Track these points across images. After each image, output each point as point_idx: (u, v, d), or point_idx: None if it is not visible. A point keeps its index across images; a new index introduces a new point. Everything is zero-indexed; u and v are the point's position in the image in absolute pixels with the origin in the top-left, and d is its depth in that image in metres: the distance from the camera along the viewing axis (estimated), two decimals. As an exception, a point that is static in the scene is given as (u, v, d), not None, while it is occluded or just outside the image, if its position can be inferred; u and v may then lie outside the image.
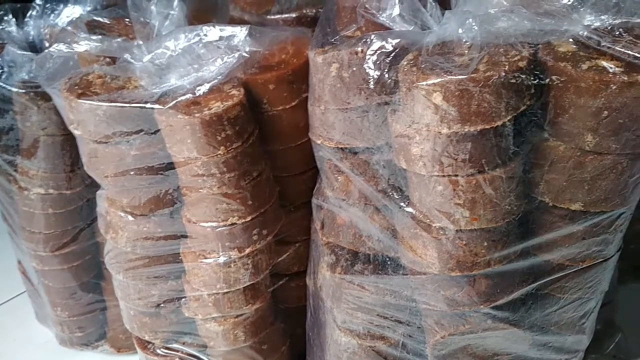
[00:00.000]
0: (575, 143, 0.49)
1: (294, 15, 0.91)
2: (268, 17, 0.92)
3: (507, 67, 0.46)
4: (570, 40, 0.49)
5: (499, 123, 0.47)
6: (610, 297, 1.07)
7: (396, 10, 0.56)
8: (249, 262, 0.75)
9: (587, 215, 0.52)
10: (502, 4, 0.52)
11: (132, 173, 0.70)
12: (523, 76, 0.46)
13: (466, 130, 0.47)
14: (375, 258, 0.60)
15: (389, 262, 0.59)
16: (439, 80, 0.47)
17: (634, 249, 1.28)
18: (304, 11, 0.92)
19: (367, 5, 0.58)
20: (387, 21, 0.57)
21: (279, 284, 0.83)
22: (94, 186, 0.80)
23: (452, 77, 0.46)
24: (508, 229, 0.52)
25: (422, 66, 0.49)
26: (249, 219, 0.71)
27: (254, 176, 0.70)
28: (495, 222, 0.51)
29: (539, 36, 0.50)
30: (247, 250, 0.73)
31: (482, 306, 0.55)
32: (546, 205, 0.53)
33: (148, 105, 0.64)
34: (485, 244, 0.52)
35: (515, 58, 0.47)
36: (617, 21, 0.49)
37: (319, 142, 0.60)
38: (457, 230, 0.52)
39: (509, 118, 0.47)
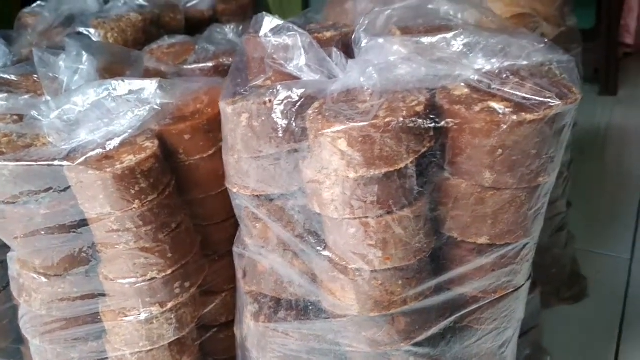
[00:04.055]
0: (475, 180, 0.52)
1: (210, 64, 0.92)
2: (185, 67, 0.93)
3: (405, 112, 0.48)
4: (463, 84, 0.52)
5: (402, 165, 0.49)
6: (535, 321, 1.11)
7: (302, 61, 0.58)
8: (172, 316, 0.73)
9: (494, 247, 0.55)
10: (400, 52, 0.55)
11: (43, 233, 0.68)
12: (421, 120, 0.49)
13: (372, 173, 0.49)
14: (297, 304, 0.60)
15: (310, 307, 0.59)
16: (342, 127, 0.48)
17: (556, 272, 1.34)
18: (221, 60, 0.93)
19: (274, 56, 0.59)
20: (295, 71, 0.59)
21: (207, 336, 0.81)
22: (6, 247, 0.76)
23: (354, 124, 0.48)
24: (420, 266, 0.54)
25: (327, 114, 0.50)
26: (169, 272, 0.70)
27: (173, 228, 0.69)
28: (407, 260, 0.53)
29: (434, 81, 0.53)
30: (170, 305, 0.71)
31: (402, 344, 0.56)
32: (455, 240, 0.55)
33: (56, 163, 0.63)
34: (400, 282, 0.54)
35: (413, 103, 0.50)
36: (505, 64, 0.53)
37: (235, 190, 0.60)
38: (372, 270, 0.53)
39: (410, 160, 0.49)
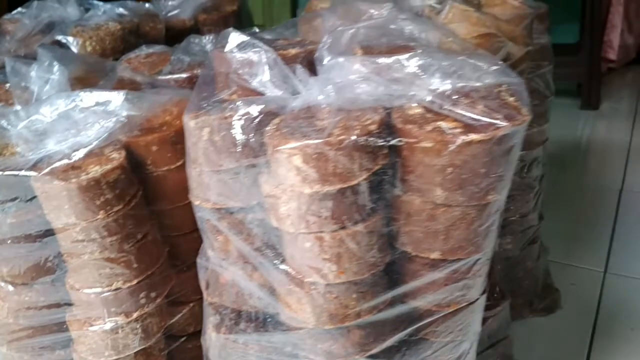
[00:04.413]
0: (427, 197, 0.53)
1: (185, 75, 0.93)
2: (159, 77, 0.94)
3: (358, 130, 0.50)
4: (418, 104, 0.54)
5: (355, 182, 0.50)
6: (504, 333, 1.13)
7: (266, 77, 0.60)
8: (138, 326, 0.73)
9: (446, 263, 0.56)
10: (360, 72, 0.57)
11: (9, 242, 0.68)
12: (373, 139, 0.50)
13: (326, 189, 0.50)
14: (257, 316, 0.61)
15: (269, 319, 0.60)
16: (297, 144, 0.50)
17: (528, 285, 1.36)
18: (195, 71, 0.94)
19: (239, 72, 0.61)
20: (259, 87, 0.60)
21: (175, 346, 0.81)
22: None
23: (309, 141, 0.49)
24: (374, 280, 0.55)
25: (284, 130, 0.52)
26: (134, 282, 0.71)
27: (139, 238, 0.70)
28: (361, 274, 0.54)
29: (390, 101, 0.54)
30: (135, 315, 0.72)
31: (357, 356, 0.57)
32: (409, 255, 0.56)
33: (22, 173, 0.63)
34: (355, 295, 0.55)
35: (367, 122, 0.51)
36: (458, 86, 0.54)
37: (197, 203, 0.61)
38: (326, 284, 0.54)
39: (363, 177, 0.50)
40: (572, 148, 2.42)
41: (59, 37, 1.07)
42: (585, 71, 2.84)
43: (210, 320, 0.65)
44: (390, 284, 0.57)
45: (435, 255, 0.56)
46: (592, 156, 2.42)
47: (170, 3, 1.40)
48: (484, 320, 1.10)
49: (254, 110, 0.54)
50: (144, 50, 1.05)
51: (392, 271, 0.57)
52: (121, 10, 1.18)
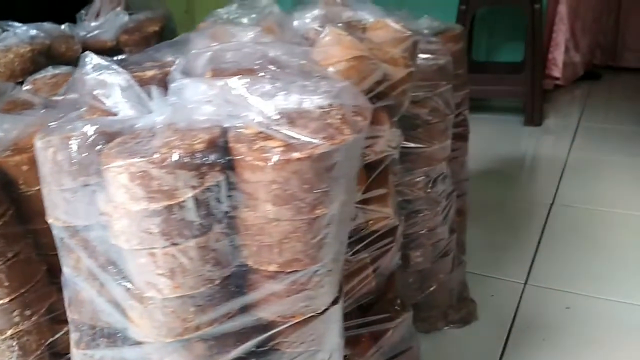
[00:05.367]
0: (260, 212, 0.55)
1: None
2: (55, 98, 0.95)
3: (182, 150, 0.52)
4: (251, 124, 0.56)
5: (181, 199, 0.52)
6: (407, 344, 1.15)
7: (118, 98, 0.62)
8: (14, 344, 0.74)
9: (284, 275, 0.58)
10: (205, 93, 0.59)
11: None
12: (199, 157, 0.52)
13: (153, 207, 0.52)
14: (109, 331, 0.62)
15: (119, 335, 0.61)
16: (123, 162, 0.52)
17: (442, 296, 1.39)
18: (91, 92, 0.96)
19: (94, 93, 0.63)
20: (112, 108, 0.62)
21: (61, 363, 0.82)
22: None
23: (132, 159, 0.51)
24: (212, 293, 0.57)
25: (116, 150, 0.54)
26: (6, 300, 0.71)
27: (9, 257, 0.71)
28: (197, 288, 0.56)
29: (227, 121, 0.57)
30: (9, 332, 0.73)
31: (200, 369, 0.58)
32: (250, 267, 0.59)
33: None
34: (192, 309, 0.57)
35: (196, 141, 0.54)
36: (292, 107, 0.57)
37: (50, 221, 0.62)
38: (163, 298, 0.56)
39: (189, 195, 0.53)
40: (511, 163, 2.48)
41: (-31, 59, 1.07)
42: (528, 89, 2.93)
43: (72, 337, 0.66)
44: (233, 296, 0.59)
45: (272, 267, 0.58)
46: (529, 171, 2.49)
47: (93, 24, 1.42)
48: (384, 332, 1.12)
49: (90, 130, 0.56)
50: (50, 71, 1.07)
51: (234, 284, 0.59)
52: (34, 32, 1.19)
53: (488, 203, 2.06)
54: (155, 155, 0.52)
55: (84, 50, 1.30)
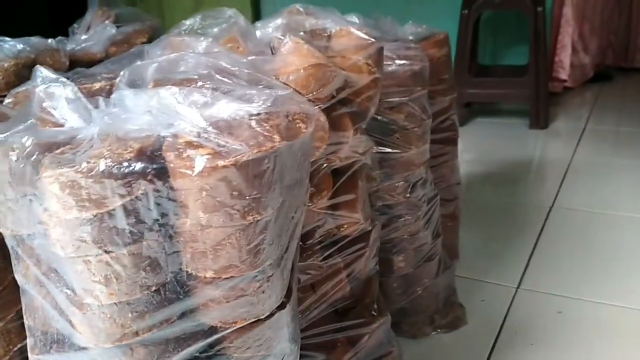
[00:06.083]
0: (193, 219, 0.56)
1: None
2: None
3: (110, 159, 0.53)
4: (184, 133, 0.57)
5: (110, 208, 0.54)
6: (385, 349, 1.15)
7: (65, 109, 0.64)
8: (-20, 350, 0.76)
9: (221, 281, 0.59)
10: (144, 104, 0.60)
11: None
12: (126, 165, 0.54)
13: (83, 215, 0.54)
14: (58, 337, 0.64)
15: (67, 340, 0.63)
16: (53, 172, 0.53)
17: (427, 301, 1.38)
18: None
19: (42, 104, 0.65)
20: (59, 119, 0.64)
21: (31, 369, 0.83)
22: None
23: (60, 169, 0.53)
24: (150, 300, 0.58)
25: (49, 160, 0.55)
26: (-30, 307, 0.73)
27: (-27, 265, 0.73)
28: (132, 295, 0.57)
29: (163, 130, 0.58)
30: (-25, 339, 0.75)
31: (141, 374, 0.59)
32: (189, 273, 0.59)
33: None
34: (130, 315, 0.58)
35: (126, 151, 0.55)
36: (226, 116, 0.58)
37: (1, 230, 0.64)
38: (99, 305, 0.57)
39: (118, 203, 0.54)
40: (513, 166, 2.46)
41: (-45, 75, 1.11)
42: (533, 92, 2.90)
43: (28, 342, 0.68)
44: (171, 302, 0.60)
45: (209, 274, 0.59)
46: (531, 174, 2.46)
47: (82, 37, 1.45)
48: (360, 336, 1.12)
49: (27, 141, 0.57)
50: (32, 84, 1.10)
51: (173, 290, 0.60)
52: (21, 46, 1.23)
53: (488, 206, 2.04)
54: (83, 165, 0.53)
55: (73, 62, 1.35)
